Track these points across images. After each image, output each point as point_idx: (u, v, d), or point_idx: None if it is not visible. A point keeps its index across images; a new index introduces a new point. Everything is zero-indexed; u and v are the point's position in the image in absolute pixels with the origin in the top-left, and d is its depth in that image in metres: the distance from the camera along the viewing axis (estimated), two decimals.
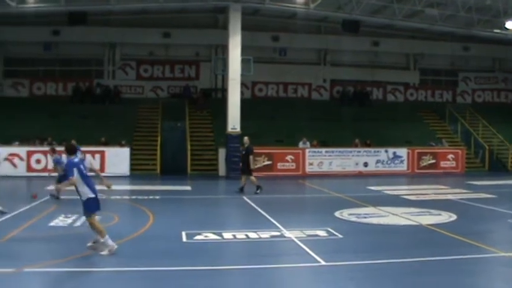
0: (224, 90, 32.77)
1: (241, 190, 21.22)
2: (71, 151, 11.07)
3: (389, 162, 31.31)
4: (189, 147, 30.38)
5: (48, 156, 24.48)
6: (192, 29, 35.04)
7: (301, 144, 30.80)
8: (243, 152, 22.01)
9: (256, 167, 28.90)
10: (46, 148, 28.24)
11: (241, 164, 22.38)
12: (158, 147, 30.19)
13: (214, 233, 12.53)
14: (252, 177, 21.46)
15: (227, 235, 12.47)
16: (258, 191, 20.96)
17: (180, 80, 36.76)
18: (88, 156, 19.92)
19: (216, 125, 32.01)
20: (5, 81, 35.62)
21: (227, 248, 11.73)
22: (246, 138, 22.32)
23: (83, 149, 28.23)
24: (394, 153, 31.39)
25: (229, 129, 28.21)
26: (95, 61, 36.63)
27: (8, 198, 17.95)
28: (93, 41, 35.15)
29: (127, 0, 28.39)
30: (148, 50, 36.60)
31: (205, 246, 11.60)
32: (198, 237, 12.18)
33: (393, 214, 15.88)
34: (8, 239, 11.96)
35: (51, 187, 20.74)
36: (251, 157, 21.42)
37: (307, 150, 30.50)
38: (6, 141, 28.65)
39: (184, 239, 12.03)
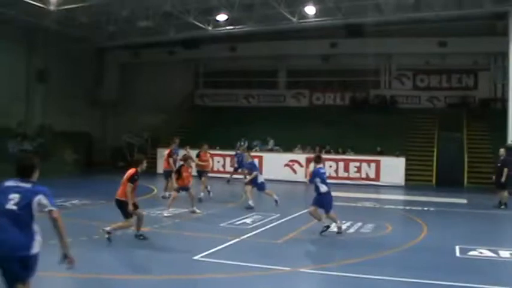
0: (504, 101, 30.96)
1: (500, 205, 19.92)
2: None
3: None
4: (466, 159, 29.32)
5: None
6: (469, 37, 33.62)
7: None
8: (498, 164, 20.53)
9: None
10: (323, 156, 29.51)
11: (494, 177, 20.86)
12: (434, 158, 29.65)
13: (490, 250, 11.92)
14: (504, 193, 19.98)
15: (504, 253, 11.77)
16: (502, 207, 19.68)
17: (457, 90, 35.54)
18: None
19: (495, 136, 30.39)
20: (288, 92, 38.00)
21: (504, 267, 11.05)
22: (502, 150, 20.87)
23: (339, 157, 29.04)
24: None
25: (509, 141, 26.60)
26: (371, 72, 37.14)
27: (285, 202, 19.05)
28: (370, 52, 35.61)
29: (403, 11, 28.38)
30: (424, 60, 36.06)
31: (479, 263, 11.10)
32: (472, 252, 11.71)
33: None
34: (286, 240, 12.75)
35: None
36: (505, 170, 19.82)
37: None
38: (288, 148, 30.59)
39: (457, 253, 11.66)
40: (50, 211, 6.08)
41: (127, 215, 11.65)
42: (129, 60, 40.15)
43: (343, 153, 30.34)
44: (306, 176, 15.32)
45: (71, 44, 34.22)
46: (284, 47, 35.88)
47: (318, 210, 13.53)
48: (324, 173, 13.72)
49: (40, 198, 6.06)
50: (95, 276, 9.19)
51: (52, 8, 26.96)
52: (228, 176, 28.23)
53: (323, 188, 13.43)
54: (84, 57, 37.32)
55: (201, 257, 10.62)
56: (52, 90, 34.60)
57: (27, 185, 6.13)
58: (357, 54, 35.62)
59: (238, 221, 15.30)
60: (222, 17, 29.39)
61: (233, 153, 29.00)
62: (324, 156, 29.46)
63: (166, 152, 22.07)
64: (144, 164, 12.12)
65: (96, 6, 27.92)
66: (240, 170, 26.57)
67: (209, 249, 11.21)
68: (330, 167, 29.02)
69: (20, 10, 27.57)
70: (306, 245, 12.53)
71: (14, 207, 5.96)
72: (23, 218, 5.98)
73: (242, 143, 31.81)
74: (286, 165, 29.82)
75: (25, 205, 5.99)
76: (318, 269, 10.14)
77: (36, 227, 6.10)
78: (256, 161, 20.53)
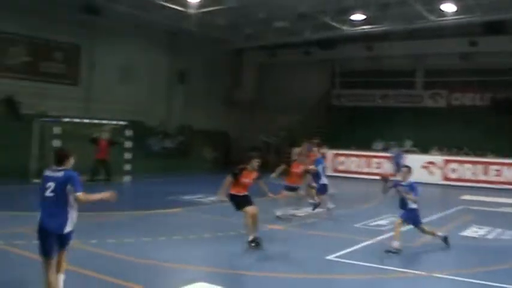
0: None
1: None
2: None
3: None
4: None
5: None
6: None
7: None
8: None
9: None
10: (462, 158, 28.69)
11: None
12: None
13: None
14: None
15: None
16: None
17: None
18: None
19: None
20: (425, 92, 37.14)
21: None
22: None
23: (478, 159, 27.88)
24: None
25: None
26: None
27: (421, 204, 18.71)
28: (511, 50, 34.02)
29: None
30: None
31: None
32: None
33: None
34: (421, 244, 12.59)
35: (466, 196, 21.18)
36: None
37: None
38: (424, 149, 29.97)
39: None
40: (74, 196, 7.24)
41: (238, 207, 11.73)
42: (266, 60, 40.94)
43: (482, 155, 29.24)
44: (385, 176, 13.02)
45: (209, 46, 35.53)
46: (421, 46, 35.04)
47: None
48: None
49: (69, 186, 7.29)
50: (230, 272, 9.62)
51: (192, 11, 28.16)
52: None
53: (414, 205, 11.95)
54: (222, 58, 38.56)
55: (334, 257, 10.77)
56: (192, 90, 36.11)
57: (60, 174, 7.37)
58: (498, 53, 33.90)
59: (372, 222, 15.30)
60: (357, 17, 29.31)
61: (389, 154, 28.68)
62: (462, 158, 28.78)
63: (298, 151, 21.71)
64: (255, 163, 11.96)
65: (233, 9, 28.76)
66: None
67: (342, 250, 11.35)
68: (468, 169, 28.23)
69: (162, 14, 29.04)
70: (441, 249, 12.31)
71: (51, 194, 7.26)
72: (59, 202, 7.25)
73: (379, 144, 31.65)
74: (423, 167, 29.18)
75: (60, 192, 7.26)
76: (452, 274, 9.96)
77: (70, 209, 7.28)
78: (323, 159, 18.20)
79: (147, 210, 15.79)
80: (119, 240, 11.50)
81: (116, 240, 11.42)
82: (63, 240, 7.35)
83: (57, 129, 21.81)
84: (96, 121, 25.10)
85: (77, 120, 23.98)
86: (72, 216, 7.35)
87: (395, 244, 11.49)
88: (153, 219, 14.53)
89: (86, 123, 24.30)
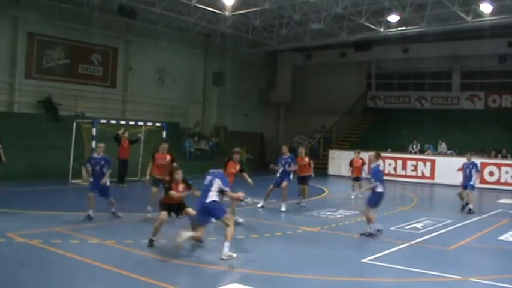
0: None
1: None
2: None
3: None
4: None
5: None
6: None
7: None
8: None
9: None
10: (499, 161, 28.23)
11: None
12: None
13: None
14: None
15: None
16: None
17: None
18: None
19: None
20: (462, 94, 36.61)
21: None
22: None
23: None
24: None
25: None
26: None
27: (458, 207, 18.57)
28: None
29: None
30: None
31: None
32: None
33: None
34: (457, 247, 12.45)
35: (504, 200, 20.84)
36: None
37: None
38: (462, 152, 29.53)
39: None
40: None
41: None
42: (301, 62, 40.92)
43: None
44: None
45: (244, 48, 35.63)
46: (458, 47, 34.69)
47: None
48: None
49: None
50: (264, 273, 9.60)
51: (227, 13, 28.26)
52: None
53: None
54: (257, 60, 38.65)
55: (370, 260, 10.70)
56: (226, 92, 36.27)
57: None
58: None
59: (408, 225, 15.16)
60: (393, 18, 29.07)
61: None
62: (500, 161, 28.31)
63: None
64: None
65: (269, 11, 28.80)
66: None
67: (378, 253, 11.26)
68: (506, 172, 27.78)
69: (198, 17, 29.19)
70: (479, 253, 12.15)
71: None
72: None
73: (415, 146, 31.31)
74: (460, 169, 28.67)
75: None
76: (491, 279, 9.76)
77: None
78: None
79: None
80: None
81: None
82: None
83: (94, 130, 22.08)
84: (132, 122, 25.33)
85: (114, 121, 24.22)
86: None
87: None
88: (187, 220, 14.60)
89: (122, 124, 24.49)
